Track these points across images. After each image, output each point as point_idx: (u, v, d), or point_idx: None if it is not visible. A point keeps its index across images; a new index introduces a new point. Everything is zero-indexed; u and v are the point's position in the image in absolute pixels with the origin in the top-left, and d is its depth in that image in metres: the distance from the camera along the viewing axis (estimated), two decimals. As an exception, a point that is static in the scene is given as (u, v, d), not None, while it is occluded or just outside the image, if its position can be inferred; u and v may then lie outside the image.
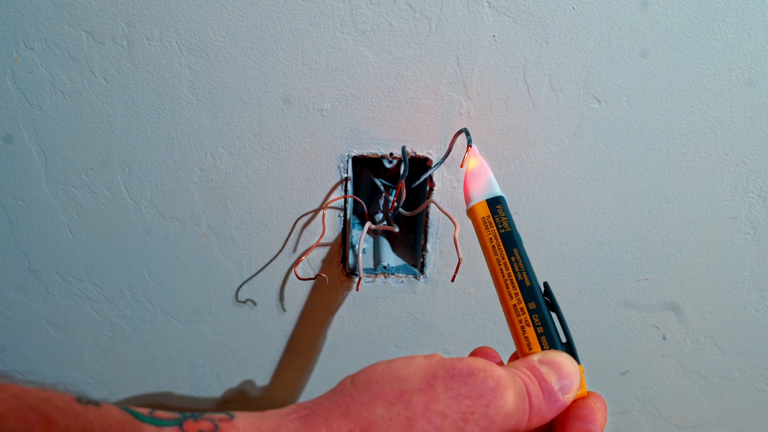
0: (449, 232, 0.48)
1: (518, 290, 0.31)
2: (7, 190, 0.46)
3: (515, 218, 0.48)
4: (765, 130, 0.45)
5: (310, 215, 0.47)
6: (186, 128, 0.44)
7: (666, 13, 0.41)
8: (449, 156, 0.43)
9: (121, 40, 0.41)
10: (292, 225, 0.48)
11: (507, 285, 0.31)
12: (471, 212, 0.34)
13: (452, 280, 0.46)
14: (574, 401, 0.28)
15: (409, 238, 0.54)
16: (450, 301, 0.51)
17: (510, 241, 0.32)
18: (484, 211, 0.33)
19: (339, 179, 0.46)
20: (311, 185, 0.46)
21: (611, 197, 0.47)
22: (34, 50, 0.41)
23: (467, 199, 0.35)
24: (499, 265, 0.32)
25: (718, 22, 0.41)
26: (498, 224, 0.33)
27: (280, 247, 0.49)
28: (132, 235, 0.48)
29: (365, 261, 0.52)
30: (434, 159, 0.45)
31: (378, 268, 0.50)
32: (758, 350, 0.55)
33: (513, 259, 0.32)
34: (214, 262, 0.49)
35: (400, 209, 0.45)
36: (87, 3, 0.40)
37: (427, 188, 0.46)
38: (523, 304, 0.31)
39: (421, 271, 0.50)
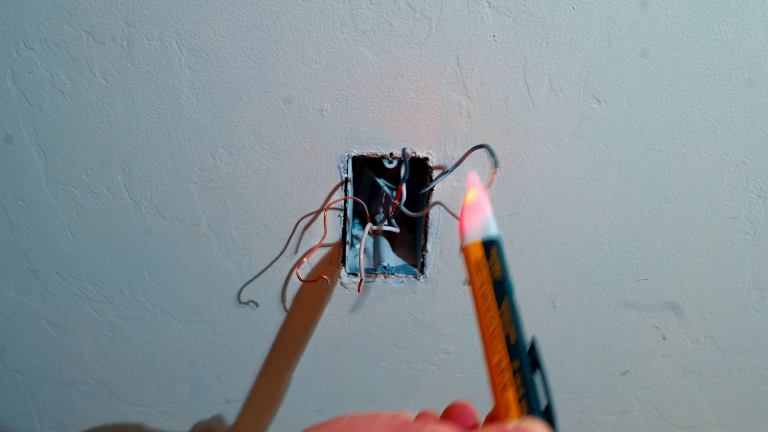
0: (449, 232, 0.48)
1: (503, 346, 0.30)
2: (7, 190, 0.46)
3: (515, 218, 0.48)
4: (765, 130, 0.45)
5: (311, 217, 0.47)
6: (186, 128, 0.44)
7: (666, 13, 0.41)
8: (458, 166, 0.42)
9: (121, 40, 0.41)
10: (292, 226, 0.48)
11: (492, 339, 0.30)
12: (464, 251, 0.33)
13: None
14: None
15: (409, 238, 0.54)
16: (450, 301, 0.51)
17: (501, 290, 0.30)
18: (477, 253, 0.32)
19: (339, 179, 0.46)
20: (311, 185, 0.46)
21: (611, 197, 0.47)
22: (34, 50, 0.41)
23: (461, 236, 0.33)
24: (486, 316, 0.30)
25: (718, 22, 0.41)
26: (491, 268, 0.31)
27: (280, 248, 0.48)
28: (132, 235, 0.48)
29: (365, 261, 0.52)
30: (434, 159, 0.45)
31: (378, 268, 0.50)
32: (758, 350, 0.55)
33: (502, 310, 0.30)
34: (214, 262, 0.49)
35: (405, 210, 0.45)
36: (87, 3, 0.40)
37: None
38: (506, 362, 0.29)
39: (421, 271, 0.50)
